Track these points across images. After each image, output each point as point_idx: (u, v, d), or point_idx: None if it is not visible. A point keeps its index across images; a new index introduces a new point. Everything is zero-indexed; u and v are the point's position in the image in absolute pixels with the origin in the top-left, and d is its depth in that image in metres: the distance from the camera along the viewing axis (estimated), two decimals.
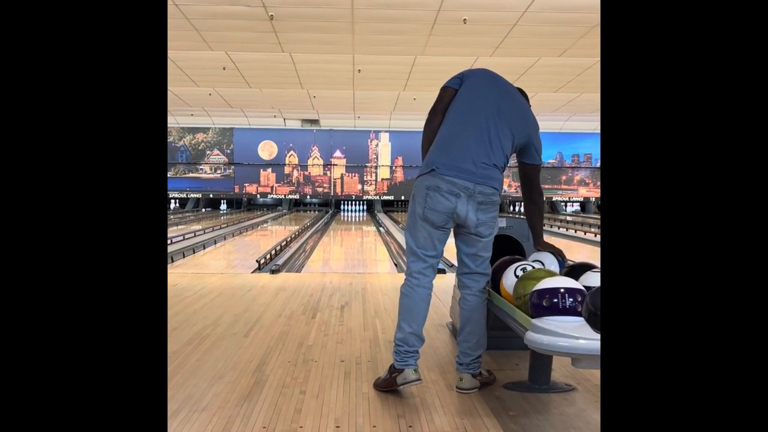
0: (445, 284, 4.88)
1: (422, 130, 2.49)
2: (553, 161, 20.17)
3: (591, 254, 8.31)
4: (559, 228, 13.59)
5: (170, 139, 19.72)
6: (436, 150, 2.38)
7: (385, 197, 20.21)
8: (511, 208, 20.09)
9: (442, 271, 5.86)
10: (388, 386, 2.39)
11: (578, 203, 20.70)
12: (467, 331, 2.44)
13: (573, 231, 12.35)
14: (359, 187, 20.10)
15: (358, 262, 8.24)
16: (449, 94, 2.45)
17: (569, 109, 15.85)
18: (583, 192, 20.43)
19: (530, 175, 2.55)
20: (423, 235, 2.39)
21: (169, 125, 19.21)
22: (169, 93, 13.64)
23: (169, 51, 9.67)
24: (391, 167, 20.15)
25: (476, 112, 2.37)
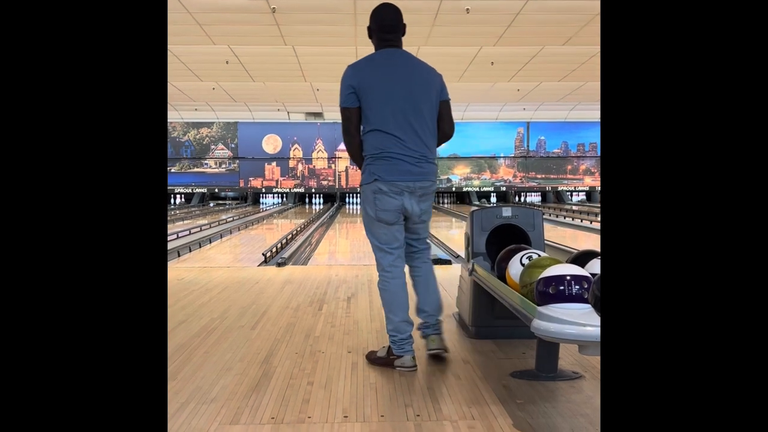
0: (450, 275, 4.88)
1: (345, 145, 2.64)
2: (559, 150, 20.10)
3: (598, 243, 8.29)
4: (565, 217, 13.56)
5: (174, 134, 19.74)
6: (375, 162, 2.52)
7: None
8: (516, 198, 20.05)
9: (447, 262, 5.86)
10: (383, 365, 2.55)
11: (584, 192, 20.63)
12: (431, 297, 2.64)
13: (579, 220, 12.32)
14: None
15: (364, 255, 8.24)
16: (355, 113, 2.53)
17: (574, 98, 15.79)
18: (588, 181, 20.36)
19: (442, 110, 2.61)
20: (383, 233, 2.58)
21: (173, 120, 19.22)
22: (172, 88, 13.64)
23: (171, 46, 9.66)
24: None
25: (392, 119, 2.48)
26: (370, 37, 2.67)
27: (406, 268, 2.66)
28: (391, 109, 2.48)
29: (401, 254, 2.60)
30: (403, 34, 2.65)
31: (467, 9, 7.81)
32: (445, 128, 2.61)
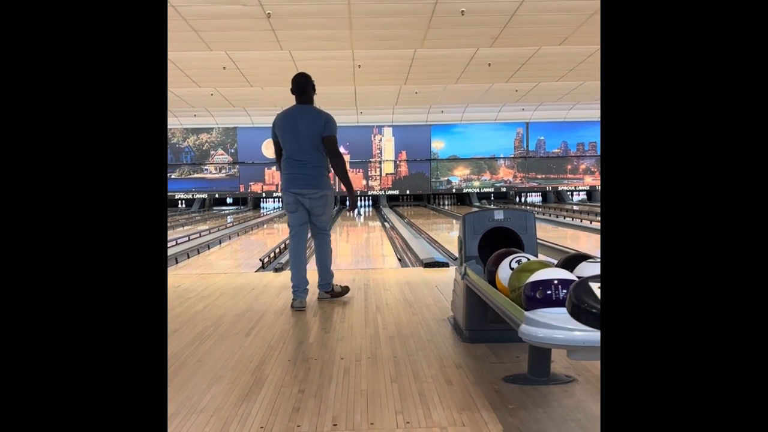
0: (447, 278, 4.87)
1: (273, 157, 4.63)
2: (558, 150, 20.07)
3: (598, 243, 8.27)
4: (565, 218, 13.53)
5: (174, 140, 19.75)
6: (282, 176, 4.14)
7: (390, 192, 20.19)
8: (517, 198, 20.01)
9: (445, 265, 5.84)
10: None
11: (584, 192, 20.59)
12: (318, 267, 4.13)
13: (579, 220, 12.29)
14: (364, 182, 20.09)
15: (363, 258, 8.23)
16: (276, 143, 4.19)
17: (572, 98, 15.77)
18: (589, 181, 20.33)
19: (326, 144, 4.01)
20: (289, 216, 4.16)
21: (172, 126, 19.23)
22: (170, 94, 13.65)
23: (168, 52, 9.68)
24: (395, 162, 20.12)
25: (290, 150, 4.03)
26: (293, 93, 4.14)
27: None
28: (290, 143, 4.01)
29: (301, 230, 4.08)
30: (314, 92, 4.15)
31: (462, 11, 7.80)
32: (329, 158, 4.10)
